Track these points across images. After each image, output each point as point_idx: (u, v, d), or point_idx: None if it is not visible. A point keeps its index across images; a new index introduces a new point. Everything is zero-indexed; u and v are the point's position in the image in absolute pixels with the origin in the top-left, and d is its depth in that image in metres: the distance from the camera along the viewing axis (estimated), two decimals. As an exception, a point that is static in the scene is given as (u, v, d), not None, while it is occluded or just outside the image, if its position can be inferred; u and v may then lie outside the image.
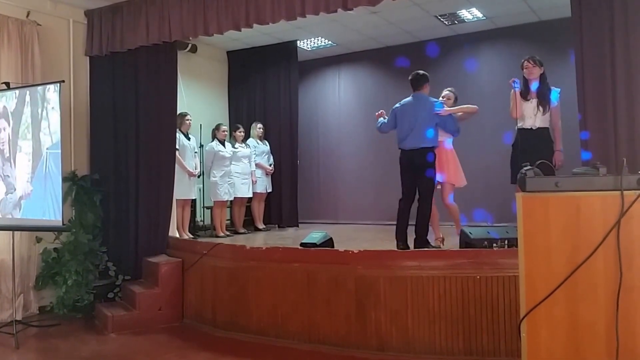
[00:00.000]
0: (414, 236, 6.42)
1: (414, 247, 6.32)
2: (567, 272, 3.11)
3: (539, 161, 3.38)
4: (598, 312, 3.08)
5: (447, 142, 6.92)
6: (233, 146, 9.23)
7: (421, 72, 6.77)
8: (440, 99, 6.89)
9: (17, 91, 6.86)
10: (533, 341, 3.21)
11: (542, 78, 6.25)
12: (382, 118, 6.98)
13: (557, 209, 3.16)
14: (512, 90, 6.25)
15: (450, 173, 6.89)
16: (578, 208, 3.12)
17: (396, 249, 6.20)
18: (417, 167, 6.47)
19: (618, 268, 3.00)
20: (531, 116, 6.17)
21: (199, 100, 10.29)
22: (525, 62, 6.27)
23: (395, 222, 6.59)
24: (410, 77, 6.77)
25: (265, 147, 10.01)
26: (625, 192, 3.02)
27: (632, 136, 5.13)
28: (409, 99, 6.75)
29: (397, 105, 6.80)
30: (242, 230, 9.35)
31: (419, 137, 6.46)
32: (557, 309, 3.15)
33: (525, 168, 3.26)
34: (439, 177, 6.73)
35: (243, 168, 9.28)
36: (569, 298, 3.13)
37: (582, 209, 3.12)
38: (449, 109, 6.70)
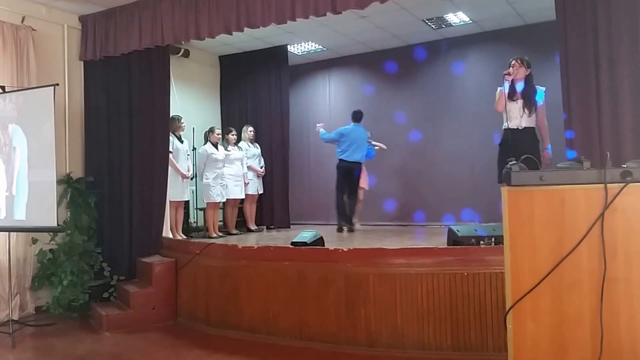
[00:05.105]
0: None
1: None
2: (552, 264, 3.14)
3: (524, 156, 3.39)
4: (583, 303, 3.11)
5: None
6: (225, 149, 9.26)
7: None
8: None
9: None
10: (519, 333, 3.23)
11: (528, 79, 6.33)
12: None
13: (541, 202, 3.19)
14: (499, 88, 6.34)
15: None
16: (562, 201, 3.15)
17: (384, 247, 6.20)
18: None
19: (602, 260, 3.04)
20: (517, 117, 6.23)
21: (192, 104, 10.36)
22: (514, 61, 6.35)
23: (384, 223, 6.69)
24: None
25: (256, 149, 10.07)
26: (608, 185, 3.05)
27: (616, 135, 5.18)
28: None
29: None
30: (235, 232, 9.39)
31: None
32: (543, 301, 3.18)
33: (510, 163, 3.27)
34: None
35: (235, 170, 9.32)
36: (554, 290, 3.16)
37: (566, 202, 3.14)
38: None
